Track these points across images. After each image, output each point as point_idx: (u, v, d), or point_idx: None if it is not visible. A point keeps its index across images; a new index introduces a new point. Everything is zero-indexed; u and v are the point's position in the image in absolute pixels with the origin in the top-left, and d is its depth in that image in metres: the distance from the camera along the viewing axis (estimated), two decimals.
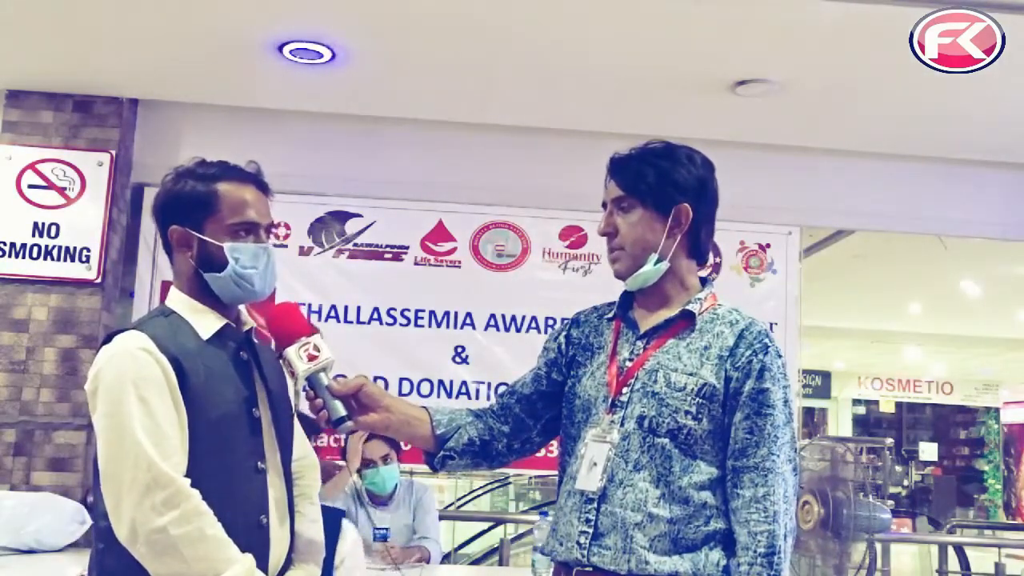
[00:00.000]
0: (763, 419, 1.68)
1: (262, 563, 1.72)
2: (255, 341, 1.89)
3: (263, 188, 1.86)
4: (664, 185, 1.76)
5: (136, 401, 1.64)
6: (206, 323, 1.80)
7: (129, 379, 1.66)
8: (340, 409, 1.73)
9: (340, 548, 2.01)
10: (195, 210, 1.79)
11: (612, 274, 1.85)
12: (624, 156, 1.81)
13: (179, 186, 1.82)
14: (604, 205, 1.83)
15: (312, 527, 1.95)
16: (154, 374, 1.68)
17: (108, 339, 1.75)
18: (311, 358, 1.72)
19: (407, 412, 1.84)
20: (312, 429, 3.78)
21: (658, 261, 1.77)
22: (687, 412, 1.68)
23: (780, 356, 1.73)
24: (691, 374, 1.70)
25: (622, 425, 1.72)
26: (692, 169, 1.79)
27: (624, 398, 1.74)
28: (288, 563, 1.87)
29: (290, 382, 1.84)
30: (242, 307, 1.92)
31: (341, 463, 3.76)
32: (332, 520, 2.01)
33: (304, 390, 1.75)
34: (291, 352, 1.75)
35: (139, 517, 1.60)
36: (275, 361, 1.92)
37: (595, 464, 1.71)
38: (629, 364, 1.77)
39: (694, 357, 1.72)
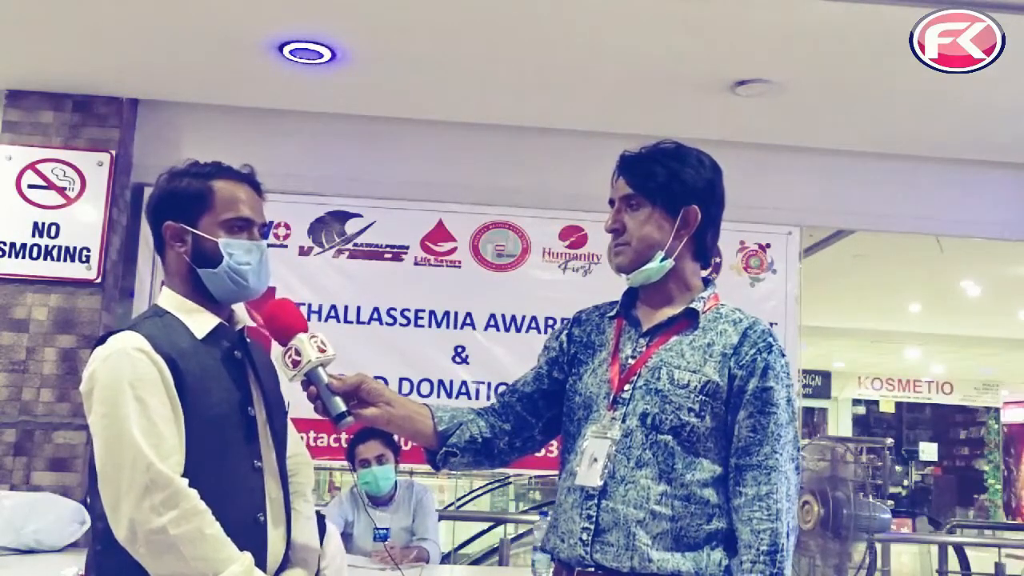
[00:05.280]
0: (766, 417, 1.68)
1: (259, 561, 1.72)
2: (248, 340, 1.89)
3: (257, 189, 1.88)
4: (674, 185, 1.76)
5: (133, 401, 1.64)
6: (200, 322, 1.80)
7: (126, 379, 1.65)
8: (340, 405, 1.73)
9: (325, 551, 2.00)
10: (190, 206, 1.81)
11: (612, 274, 1.85)
12: (635, 154, 1.82)
13: (174, 184, 1.84)
14: (611, 202, 1.84)
15: (308, 526, 1.96)
16: (150, 374, 1.67)
17: (102, 340, 1.74)
18: (295, 363, 1.72)
19: (408, 407, 1.84)
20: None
21: (664, 259, 1.77)
22: (690, 409, 1.69)
23: (783, 355, 1.74)
24: (694, 371, 1.71)
25: (624, 422, 1.72)
26: (701, 171, 1.80)
27: (626, 395, 1.74)
28: (285, 561, 1.87)
29: (283, 378, 1.84)
30: (236, 306, 1.92)
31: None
32: (316, 523, 2.02)
33: (302, 384, 1.75)
34: (277, 360, 1.77)
35: (138, 518, 1.59)
36: (269, 360, 1.93)
37: (595, 460, 1.71)
38: (632, 361, 1.77)
39: (697, 354, 1.72)
